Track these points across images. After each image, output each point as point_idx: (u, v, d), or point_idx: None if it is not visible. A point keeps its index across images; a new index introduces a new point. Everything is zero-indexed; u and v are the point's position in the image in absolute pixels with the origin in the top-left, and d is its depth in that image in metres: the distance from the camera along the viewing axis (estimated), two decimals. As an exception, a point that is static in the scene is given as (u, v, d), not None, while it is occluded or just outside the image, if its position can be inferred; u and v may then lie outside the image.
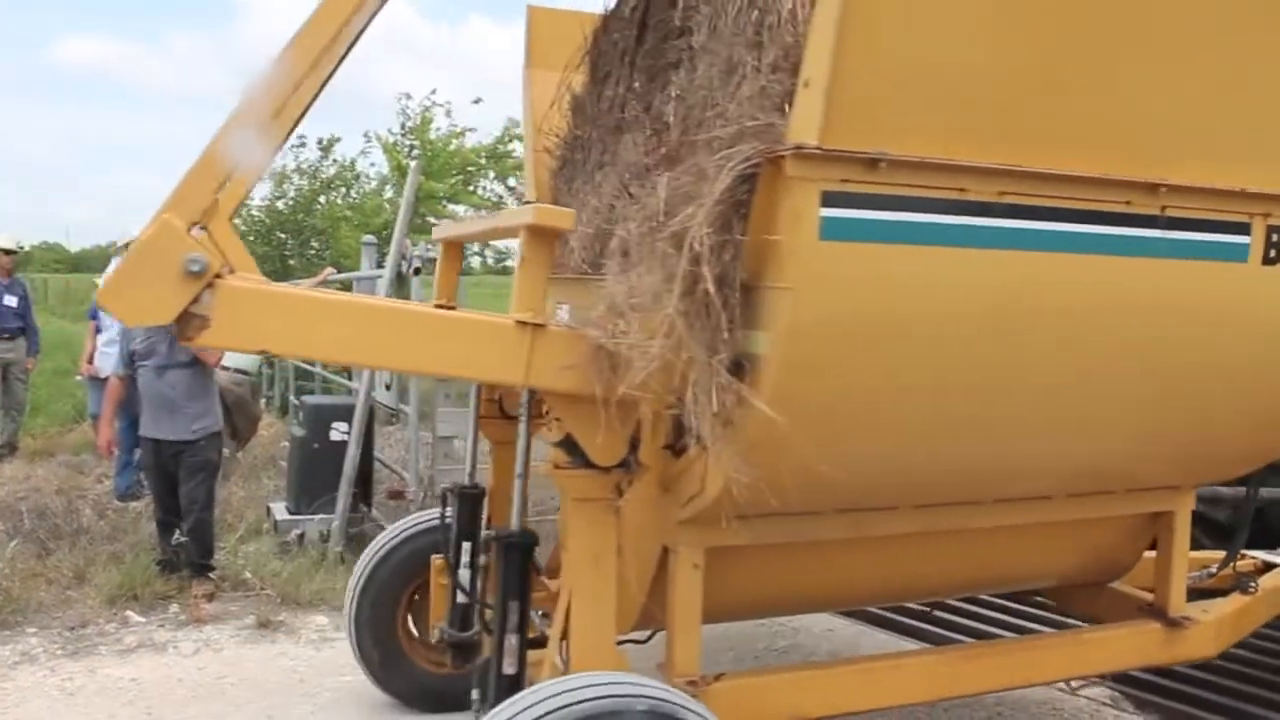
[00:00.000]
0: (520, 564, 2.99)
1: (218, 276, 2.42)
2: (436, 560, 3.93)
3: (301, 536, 6.27)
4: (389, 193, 18.34)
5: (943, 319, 2.50)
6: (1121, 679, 4.33)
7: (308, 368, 10.72)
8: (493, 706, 2.92)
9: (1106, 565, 3.69)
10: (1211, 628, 3.61)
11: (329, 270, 9.29)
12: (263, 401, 10.97)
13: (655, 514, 2.97)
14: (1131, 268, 2.63)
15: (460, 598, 3.55)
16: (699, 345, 2.47)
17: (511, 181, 18.77)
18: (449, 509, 3.60)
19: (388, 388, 6.97)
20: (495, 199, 18.99)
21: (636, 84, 3.61)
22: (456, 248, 3.70)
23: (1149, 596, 3.73)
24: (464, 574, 3.54)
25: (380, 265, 8.17)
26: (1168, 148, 2.62)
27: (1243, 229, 2.82)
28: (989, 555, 3.41)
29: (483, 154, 18.62)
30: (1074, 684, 4.06)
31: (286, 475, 7.05)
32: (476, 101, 21.31)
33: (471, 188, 18.79)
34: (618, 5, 3.85)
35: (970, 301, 2.51)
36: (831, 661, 4.08)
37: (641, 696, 2.53)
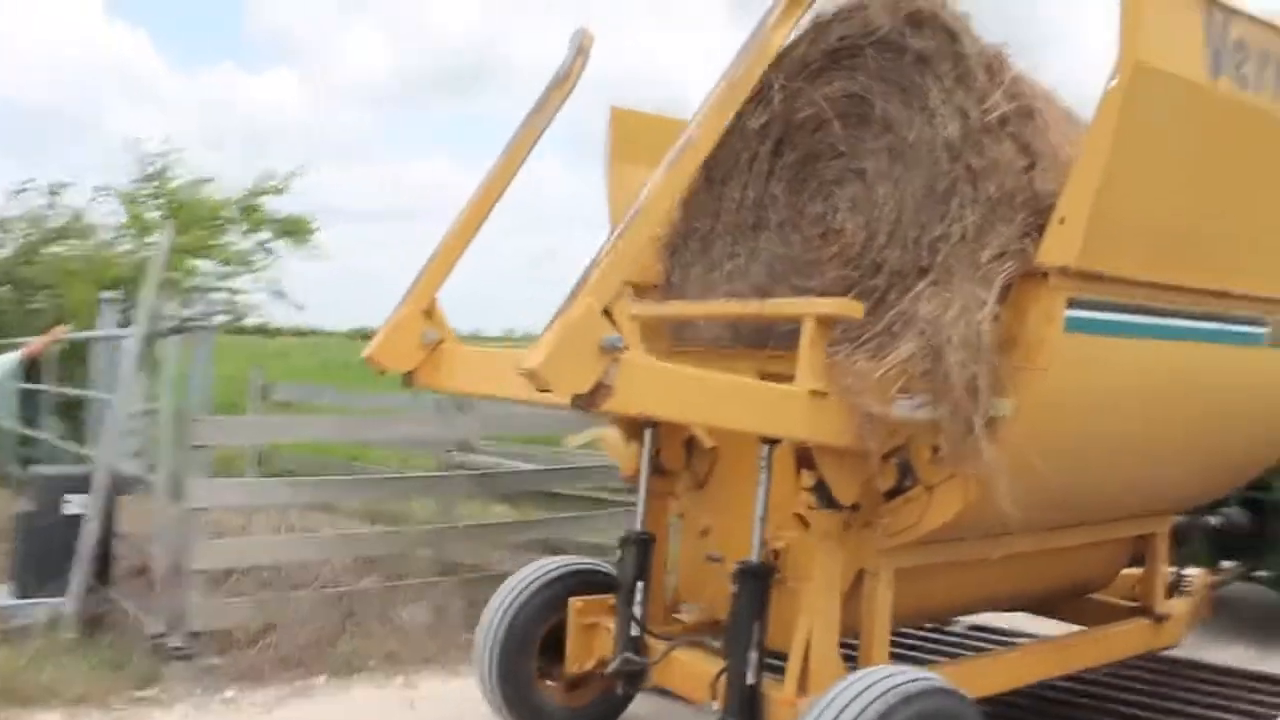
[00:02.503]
0: (760, 590, 3.60)
1: (620, 352, 2.94)
2: (576, 603, 4.40)
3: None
4: (124, 244, 16.93)
5: (1138, 388, 3.47)
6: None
7: (30, 434, 9.95)
8: (734, 713, 3.54)
9: (1109, 576, 4.78)
10: (1180, 621, 4.78)
11: (61, 328, 8.60)
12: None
13: (857, 545, 3.70)
14: (1241, 354, 3.74)
15: (634, 630, 4.07)
16: (969, 410, 3.27)
17: (261, 235, 17.86)
18: (622, 554, 4.12)
19: (133, 455, 6.49)
20: (245, 253, 17.98)
21: (776, 191, 4.33)
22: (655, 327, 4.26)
23: (1122, 602, 4.86)
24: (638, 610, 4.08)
25: (124, 322, 7.95)
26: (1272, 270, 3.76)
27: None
28: (1058, 569, 4.41)
29: (231, 206, 17.69)
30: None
31: (11, 555, 6.17)
32: (217, 147, 19.54)
33: (218, 241, 17.78)
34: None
35: (1155, 375, 3.51)
36: (991, 653, 4.74)
37: (926, 678, 3.25)
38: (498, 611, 4.46)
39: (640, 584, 4.11)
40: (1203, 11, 3.31)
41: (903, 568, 3.77)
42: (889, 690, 3.15)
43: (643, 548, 4.13)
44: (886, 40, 3.94)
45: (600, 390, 2.91)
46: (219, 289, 16.25)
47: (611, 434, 5.07)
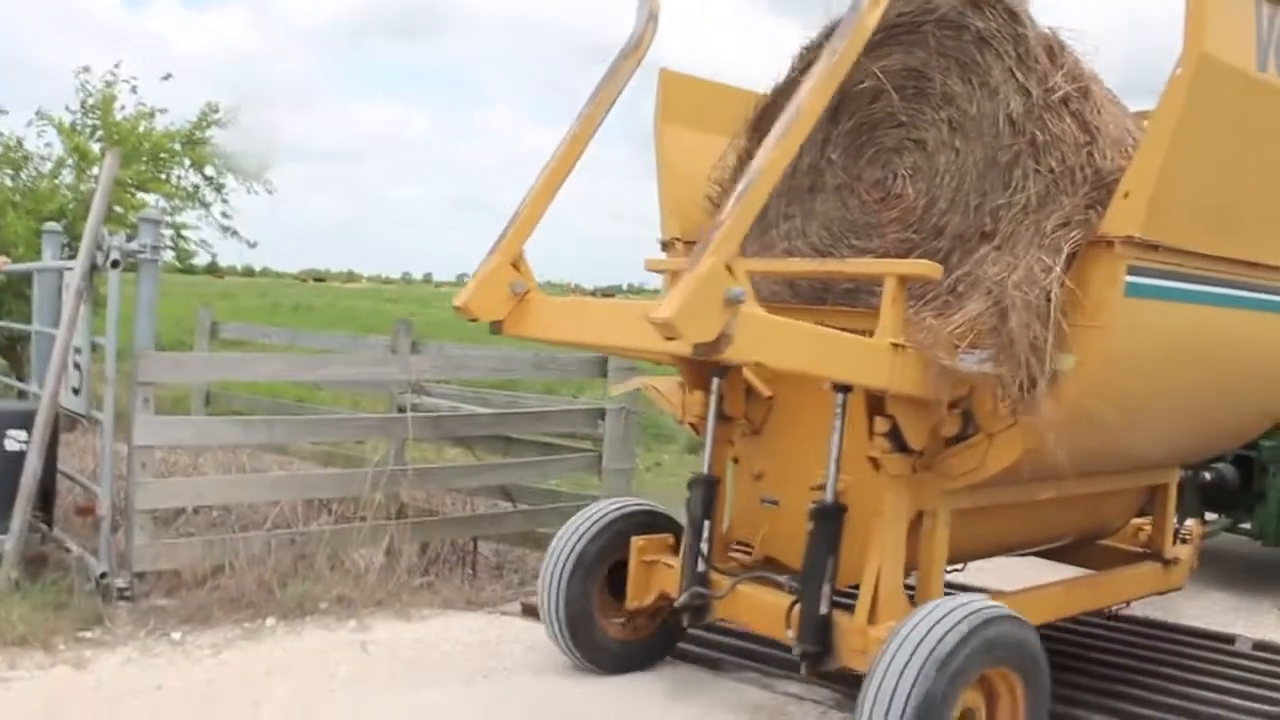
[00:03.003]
0: (835, 528, 3.91)
1: (741, 304, 3.20)
2: (639, 541, 4.69)
3: None
4: (66, 177, 16.43)
5: (1186, 349, 3.83)
6: (846, 679, 4.37)
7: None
8: (808, 643, 3.87)
9: (1122, 523, 5.19)
10: (1184, 565, 5.21)
11: (1, 259, 8.37)
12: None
13: (919, 488, 4.03)
14: (1274, 320, 4.13)
15: (700, 566, 4.38)
16: (1034, 366, 3.60)
17: (209, 170, 17.43)
18: (690, 494, 4.41)
19: (76, 391, 6.15)
20: (191, 188, 17.61)
21: (832, 156, 4.60)
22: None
23: (1130, 548, 5.29)
24: (704, 546, 4.38)
25: (67, 255, 7.65)
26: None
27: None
28: (1084, 514, 4.80)
29: (177, 139, 16.09)
30: (1117, 608, 5.46)
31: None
32: (166, 77, 18.23)
33: (164, 175, 17.32)
34: (788, 85, 4.80)
35: (1201, 337, 3.88)
36: (1040, 587, 4.84)
37: (998, 606, 3.60)
38: (564, 548, 4.72)
39: (707, 523, 4.41)
40: (1254, 7, 3.64)
41: (958, 509, 4.11)
42: (968, 615, 3.49)
43: (709, 489, 4.42)
44: (946, 19, 4.21)
45: (722, 339, 3.18)
46: (166, 224, 16.01)
47: (661, 382, 5.36)
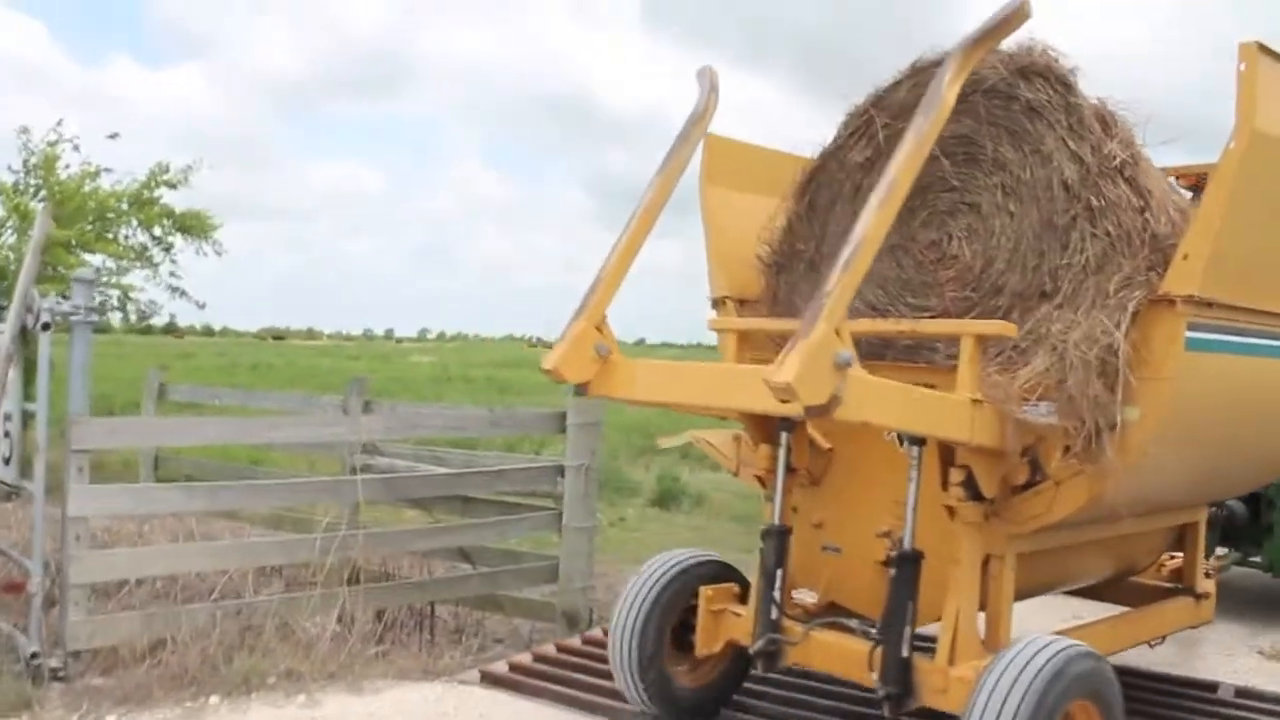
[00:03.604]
0: (913, 575, 4.11)
1: (849, 368, 3.42)
2: (707, 591, 4.86)
3: None
4: (8, 237, 15.93)
5: (1239, 397, 4.12)
6: None
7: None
8: (890, 684, 4.05)
9: (1155, 559, 5.46)
10: (1212, 600, 5.48)
11: None
12: None
13: (987, 533, 4.25)
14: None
15: (774, 614, 4.55)
16: (1101, 415, 3.86)
17: (157, 231, 16.99)
18: (764, 545, 4.59)
19: (5, 461, 5.81)
20: (140, 248, 17.20)
21: (885, 218, 4.85)
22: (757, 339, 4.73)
23: (1160, 584, 5.56)
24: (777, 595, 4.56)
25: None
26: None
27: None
28: (1125, 552, 5.07)
29: (124, 199, 15.73)
30: (1154, 642, 5.68)
31: None
32: (113, 136, 17.54)
33: (110, 235, 15.76)
34: (836, 150, 5.06)
35: (1252, 386, 4.18)
36: (1091, 622, 5.16)
37: (1080, 644, 3.82)
38: (638, 597, 4.86)
39: (779, 571, 4.59)
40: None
41: (1021, 552, 4.34)
42: (1057, 653, 3.71)
43: (781, 538, 4.60)
44: (995, 89, 4.49)
45: (833, 401, 3.38)
46: (110, 284, 15.30)
47: (713, 435, 5.55)
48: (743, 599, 4.95)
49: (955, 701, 3.99)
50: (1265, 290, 4.15)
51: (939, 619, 4.32)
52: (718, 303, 5.37)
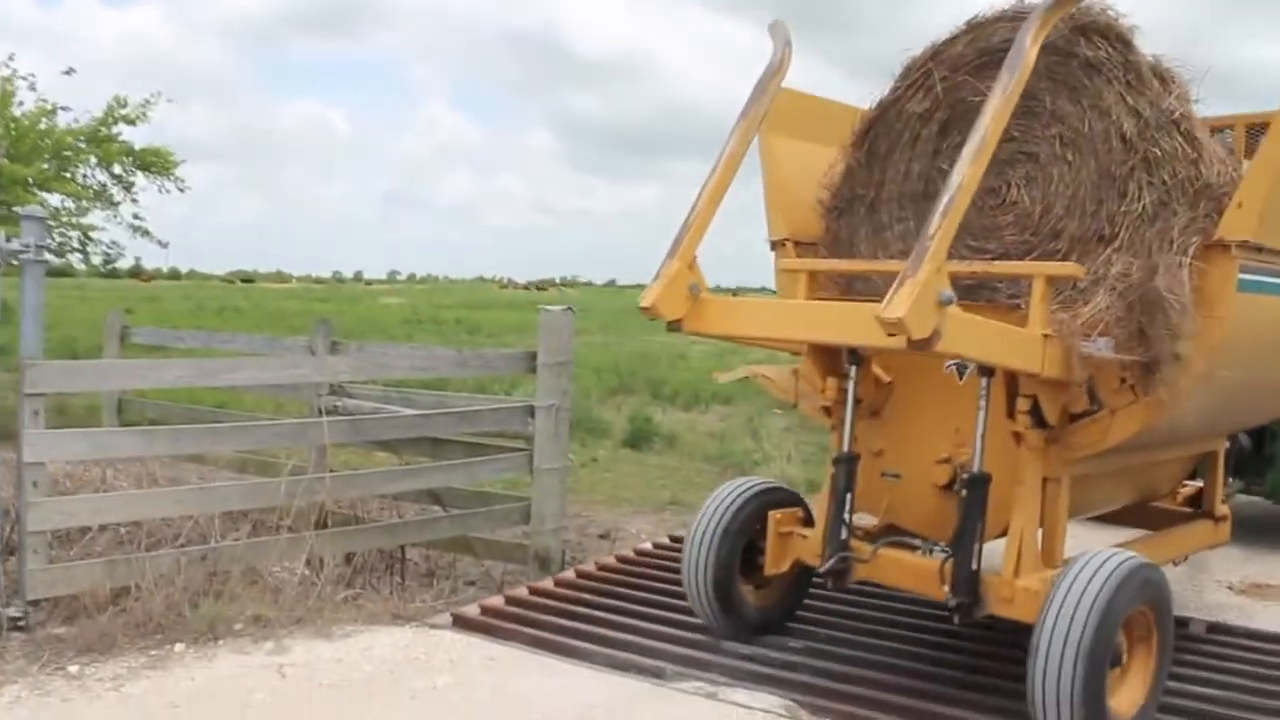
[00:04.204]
0: (983, 495, 4.49)
1: (947, 305, 3.75)
2: (775, 514, 5.23)
3: None
4: None
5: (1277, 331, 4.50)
6: (798, 688, 4.67)
7: None
8: (961, 595, 4.44)
9: (1175, 485, 5.90)
10: (1229, 523, 5.94)
11: None
12: None
13: (1048, 458, 4.63)
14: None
15: (844, 534, 4.92)
16: (1160, 350, 4.24)
17: (117, 169, 15.78)
18: (835, 471, 4.94)
19: None
20: (99, 187, 15.88)
21: (943, 166, 5.16)
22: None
23: (1179, 508, 6.01)
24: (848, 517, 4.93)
25: None
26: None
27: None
28: (1154, 478, 5.50)
29: (81, 137, 15.45)
30: (1177, 561, 6.12)
31: None
32: (68, 72, 16.57)
33: (69, 174, 15.56)
34: (894, 101, 5.36)
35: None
36: (1131, 540, 5.42)
37: (1138, 556, 4.22)
38: (710, 522, 5.22)
39: (849, 495, 4.95)
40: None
41: (1076, 475, 4.74)
42: (1122, 563, 4.11)
43: (850, 465, 4.96)
44: (1054, 46, 4.77)
45: (935, 336, 3.72)
46: (69, 224, 15.12)
47: (770, 370, 5.89)
48: (807, 522, 5.33)
49: (1021, 610, 4.41)
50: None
51: (997, 536, 4.73)
52: (777, 244, 5.67)
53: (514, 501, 6.81)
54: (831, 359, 5.10)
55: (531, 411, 6.60)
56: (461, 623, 5.43)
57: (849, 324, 4.12)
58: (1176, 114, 4.44)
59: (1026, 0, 4.92)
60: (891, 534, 5.20)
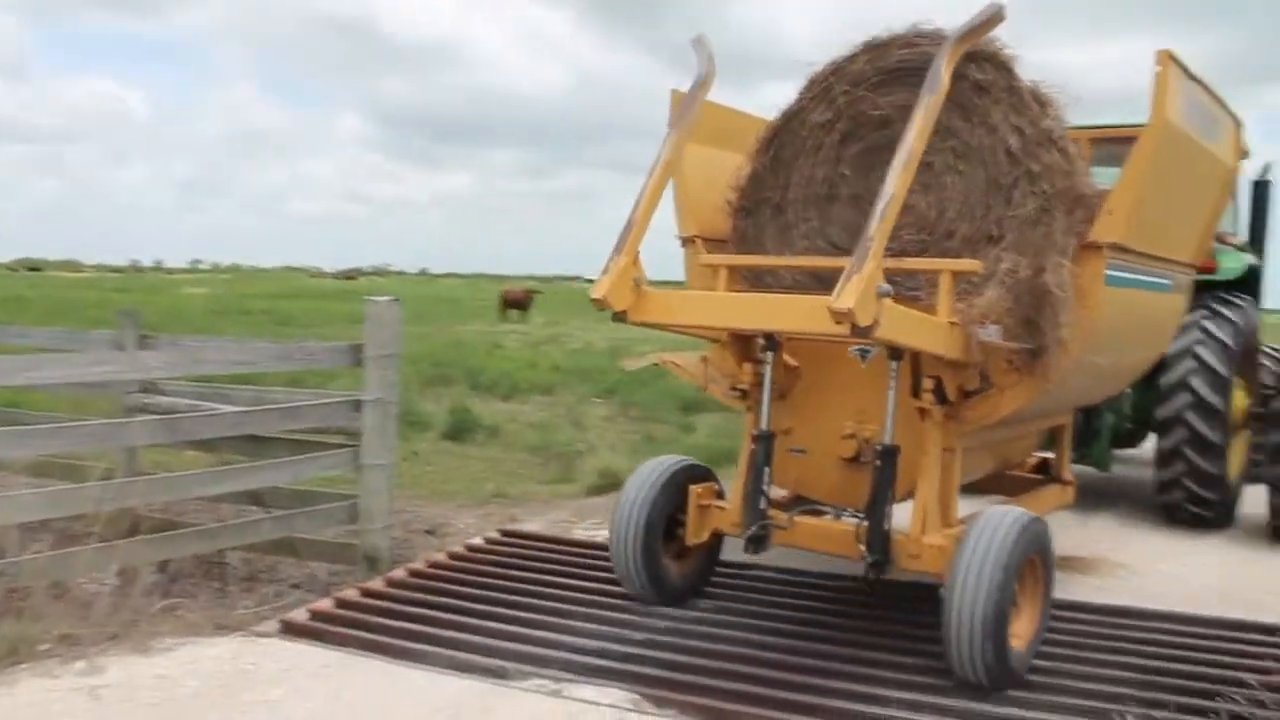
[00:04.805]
0: (894, 465, 5.07)
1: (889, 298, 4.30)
2: (696, 489, 5.69)
3: None
4: None
5: (1134, 318, 5.33)
6: (643, 680, 4.65)
7: None
8: (876, 553, 5.02)
9: (1028, 455, 6.71)
10: (1073, 487, 6.81)
11: None
12: None
13: (946, 431, 5.27)
14: (1161, 297, 5.68)
15: (763, 504, 5.42)
16: (1046, 334, 4.93)
17: None
18: (755, 448, 5.43)
19: None
20: None
21: (845, 171, 5.74)
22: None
23: (1031, 475, 6.84)
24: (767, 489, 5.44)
25: None
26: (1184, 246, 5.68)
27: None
28: (1015, 449, 6.26)
29: None
30: None
31: None
32: None
33: None
34: (798, 111, 5.89)
35: (1139, 309, 5.40)
36: (1022, 497, 6.21)
37: (1028, 512, 4.88)
38: (635, 503, 5.62)
39: (767, 469, 5.46)
40: (1190, 88, 5.12)
41: (967, 446, 5.41)
42: (1019, 517, 4.77)
43: (769, 441, 5.46)
44: (946, 69, 5.44)
45: (875, 324, 4.25)
46: None
47: (679, 357, 6.35)
48: (720, 496, 5.81)
49: (927, 564, 5.03)
50: (1158, 240, 5.35)
51: (901, 500, 5.33)
52: (687, 241, 6.13)
53: (340, 500, 6.47)
54: (748, 346, 5.60)
55: (358, 406, 6.34)
56: (291, 629, 5.21)
57: (795, 313, 4.61)
58: (1054, 133, 5.14)
59: (918, 26, 5.55)
60: (801, 504, 5.76)
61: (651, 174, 5.17)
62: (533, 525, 7.74)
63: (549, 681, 4.66)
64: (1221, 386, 7.58)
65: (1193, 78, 5.26)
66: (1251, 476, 8.07)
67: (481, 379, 17.62)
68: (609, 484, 8.94)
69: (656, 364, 6.72)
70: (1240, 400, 7.99)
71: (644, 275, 5.06)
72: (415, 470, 9.93)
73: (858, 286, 4.17)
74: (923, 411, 5.15)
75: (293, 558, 6.46)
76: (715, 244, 6.07)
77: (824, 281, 5.67)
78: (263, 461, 6.22)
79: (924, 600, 5.55)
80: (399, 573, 6.22)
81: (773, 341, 5.46)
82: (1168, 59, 4.92)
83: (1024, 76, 5.31)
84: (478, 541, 7.09)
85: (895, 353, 5.02)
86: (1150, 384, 7.75)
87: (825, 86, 5.83)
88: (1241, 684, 4.73)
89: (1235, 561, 7.28)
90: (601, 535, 7.03)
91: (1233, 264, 7.88)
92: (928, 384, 5.08)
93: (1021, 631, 4.81)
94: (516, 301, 41.32)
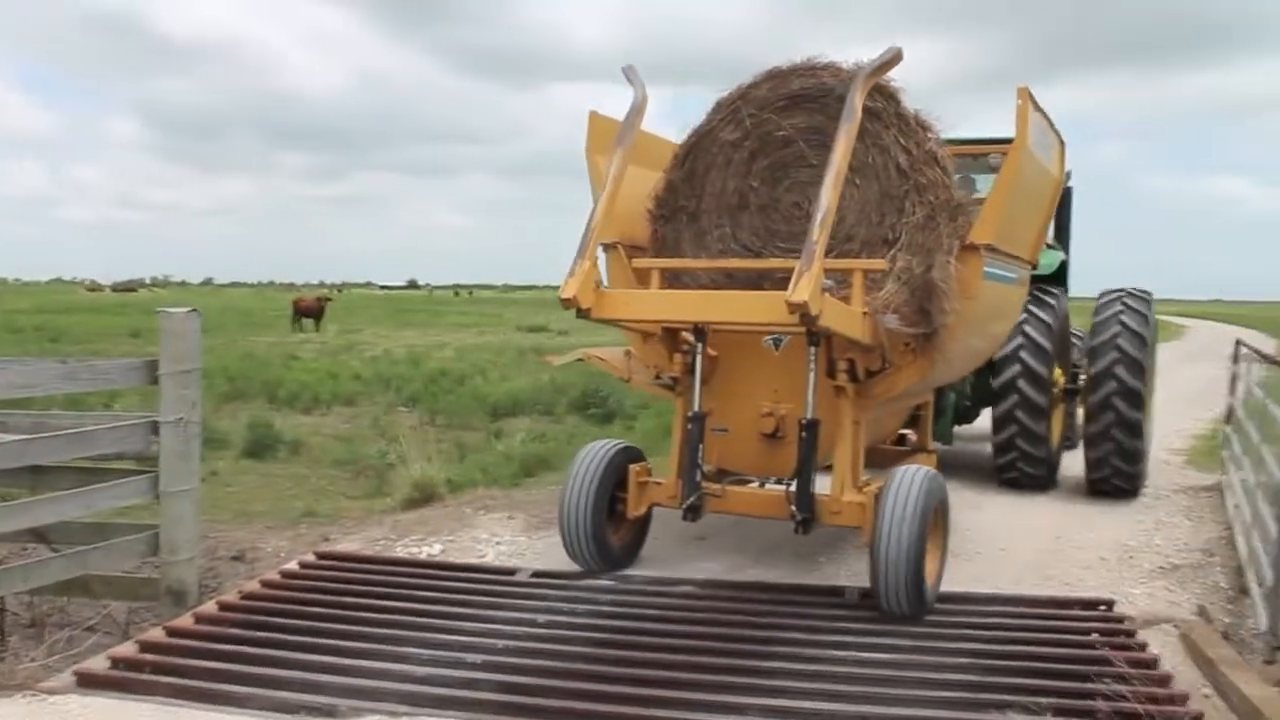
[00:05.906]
0: (815, 435, 5.91)
1: (828, 293, 5.13)
2: (635, 467, 6.38)
3: None
4: None
5: (997, 306, 6.42)
6: (484, 706, 4.42)
7: None
8: (804, 512, 5.87)
9: (894, 430, 7.76)
10: (935, 455, 7.89)
11: None
12: None
13: (855, 405, 6.17)
14: (1009, 289, 6.79)
15: (699, 477, 6.16)
16: (937, 320, 5.90)
17: None
18: (690, 427, 6.16)
19: None
20: None
21: (754, 184, 6.56)
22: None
23: (899, 448, 7.90)
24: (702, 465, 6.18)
25: None
26: (1023, 243, 6.81)
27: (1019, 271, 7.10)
28: (888, 425, 7.29)
29: None
30: None
31: None
32: None
33: None
34: (709, 130, 6.67)
35: (1001, 298, 6.47)
36: (909, 460, 6.89)
37: (931, 469, 5.83)
38: (584, 480, 6.27)
39: (701, 446, 6.20)
40: (1035, 115, 6.21)
41: (870, 418, 6.34)
42: (927, 473, 5.70)
43: (701, 422, 6.21)
44: (840, 96, 6.34)
45: (820, 315, 5.08)
46: None
47: (604, 352, 7.01)
48: (652, 473, 6.53)
49: (847, 518, 5.92)
50: (1015, 241, 6.45)
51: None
52: (609, 247, 6.80)
53: (138, 531, 5.81)
54: (677, 340, 6.34)
55: (155, 428, 5.69)
56: (88, 681, 4.65)
57: (754, 306, 5.40)
58: (935, 152, 6.13)
59: (813, 58, 6.44)
60: (725, 476, 6.54)
61: (605, 190, 5.84)
62: (349, 545, 7.24)
63: (385, 717, 4.32)
64: (1045, 360, 8.93)
65: (1038, 108, 6.37)
66: (1068, 445, 9.46)
67: (280, 392, 17.11)
68: (426, 496, 8.59)
69: (580, 360, 7.30)
70: (1058, 376, 9.35)
71: (601, 277, 5.71)
72: (216, 492, 9.32)
73: (809, 282, 4.99)
74: (838, 389, 6.03)
75: (85, 597, 5.84)
76: (636, 249, 6.78)
77: (736, 280, 6.53)
78: (47, 495, 5.48)
79: (757, 603, 5.84)
80: (208, 606, 5.68)
81: (701, 333, 6.22)
82: (1026, 94, 5.99)
83: (908, 104, 6.29)
84: (292, 566, 6.56)
85: (814, 339, 5.87)
86: (986, 366, 9.00)
87: (733, 109, 6.65)
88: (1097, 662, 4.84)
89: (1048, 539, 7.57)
90: (426, 552, 7.00)
91: (1049, 260, 9.23)
92: (843, 365, 5.97)
93: (932, 569, 5.76)
94: (309, 310, 40.49)
